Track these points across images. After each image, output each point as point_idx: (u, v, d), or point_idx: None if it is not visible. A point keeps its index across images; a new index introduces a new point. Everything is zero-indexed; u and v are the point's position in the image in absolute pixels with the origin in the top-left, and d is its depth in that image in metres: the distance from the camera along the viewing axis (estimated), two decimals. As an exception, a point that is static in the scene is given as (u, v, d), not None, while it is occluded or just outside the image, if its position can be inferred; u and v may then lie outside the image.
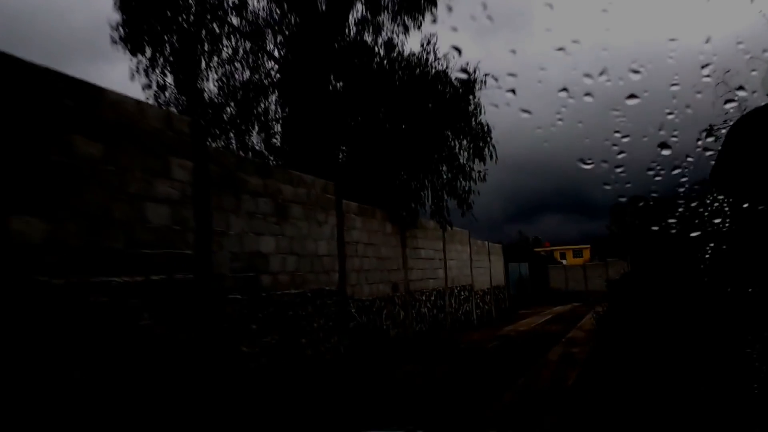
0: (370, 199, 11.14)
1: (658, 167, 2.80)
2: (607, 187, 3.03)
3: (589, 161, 2.93)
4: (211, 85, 12.66)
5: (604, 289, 31.59)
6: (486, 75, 11.67)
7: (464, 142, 12.18)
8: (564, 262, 41.80)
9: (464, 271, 17.10)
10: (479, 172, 12.43)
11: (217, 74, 12.60)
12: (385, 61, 11.85)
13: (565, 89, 2.77)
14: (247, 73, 12.76)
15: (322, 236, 8.92)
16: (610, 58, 2.62)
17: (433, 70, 11.75)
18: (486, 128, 12.23)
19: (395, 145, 11.21)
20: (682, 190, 3.05)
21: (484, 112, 12.09)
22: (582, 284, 34.82)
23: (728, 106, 2.55)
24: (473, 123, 12.08)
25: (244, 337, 6.61)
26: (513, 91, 2.80)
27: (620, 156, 2.97)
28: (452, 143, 12.05)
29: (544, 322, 16.83)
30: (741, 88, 2.59)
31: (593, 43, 2.60)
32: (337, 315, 9.15)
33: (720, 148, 2.79)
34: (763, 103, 2.72)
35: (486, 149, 12.21)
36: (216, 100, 12.74)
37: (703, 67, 2.61)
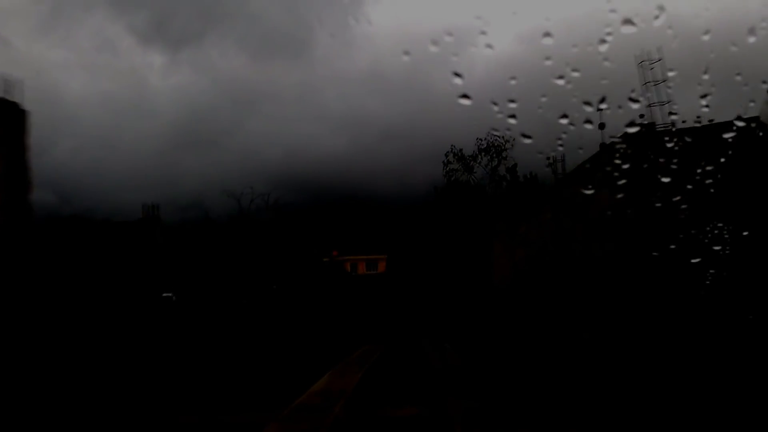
0: None
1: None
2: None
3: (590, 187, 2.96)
4: None
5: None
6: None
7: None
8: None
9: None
10: None
11: None
12: None
13: (565, 116, 2.81)
14: None
15: None
16: (609, 86, 2.66)
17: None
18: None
19: None
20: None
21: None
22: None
23: (726, 135, 2.58)
24: None
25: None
26: (513, 116, 2.83)
27: (620, 182, 3.01)
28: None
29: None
30: (739, 118, 2.62)
31: (592, 72, 2.65)
32: None
33: (719, 176, 2.82)
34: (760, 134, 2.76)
35: None
36: None
37: (701, 97, 2.65)
